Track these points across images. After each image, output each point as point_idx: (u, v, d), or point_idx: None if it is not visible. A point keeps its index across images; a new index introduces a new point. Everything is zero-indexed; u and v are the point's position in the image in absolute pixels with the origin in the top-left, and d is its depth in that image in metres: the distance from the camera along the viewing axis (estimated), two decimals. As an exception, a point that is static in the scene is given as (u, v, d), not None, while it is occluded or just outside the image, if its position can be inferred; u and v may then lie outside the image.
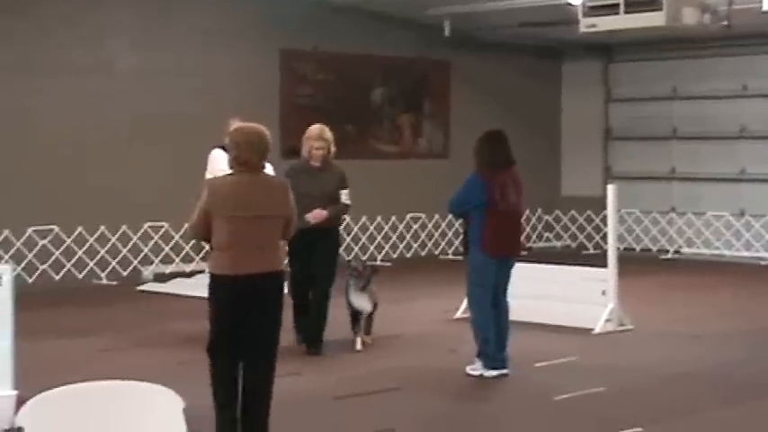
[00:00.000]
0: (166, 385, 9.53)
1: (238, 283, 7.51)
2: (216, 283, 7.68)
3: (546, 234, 23.42)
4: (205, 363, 10.81)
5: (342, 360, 11.10)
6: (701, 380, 10.36)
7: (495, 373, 10.26)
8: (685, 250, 21.72)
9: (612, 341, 12.30)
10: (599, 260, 13.09)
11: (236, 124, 12.23)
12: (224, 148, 12.25)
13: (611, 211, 13.00)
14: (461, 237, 10.74)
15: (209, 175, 12.23)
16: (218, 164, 12.19)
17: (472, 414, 9.11)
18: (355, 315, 11.74)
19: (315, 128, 11.70)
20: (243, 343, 7.55)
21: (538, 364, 10.91)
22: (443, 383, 10.13)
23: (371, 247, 20.58)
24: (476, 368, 10.35)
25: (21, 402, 4.43)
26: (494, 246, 10.19)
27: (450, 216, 17.70)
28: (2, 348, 7.76)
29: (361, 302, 11.67)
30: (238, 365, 7.59)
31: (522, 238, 10.85)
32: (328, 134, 11.65)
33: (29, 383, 9.20)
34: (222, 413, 7.64)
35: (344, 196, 11.59)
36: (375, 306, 11.84)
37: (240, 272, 7.49)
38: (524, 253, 18.75)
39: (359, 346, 11.61)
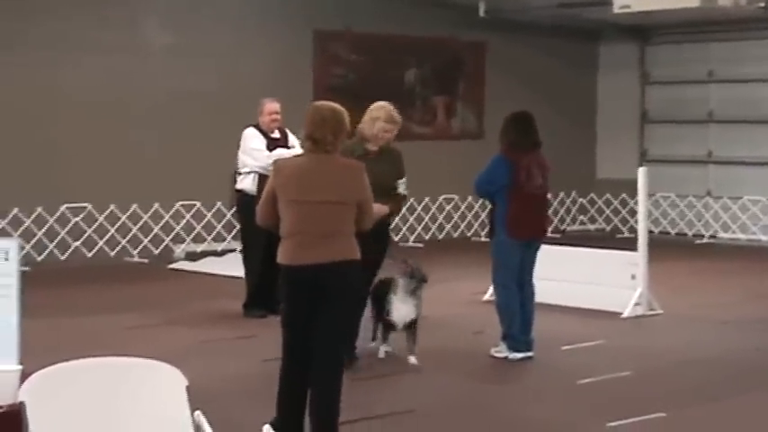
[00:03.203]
0: (185, 363, 9.60)
1: (300, 274, 7.13)
2: (281, 273, 7.28)
3: (580, 217, 23.29)
4: (227, 341, 11.03)
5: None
6: (729, 366, 10.25)
7: (519, 355, 10.21)
8: (721, 235, 21.54)
9: (640, 325, 12.22)
10: (632, 244, 12.97)
11: (267, 104, 12.39)
12: (257, 127, 12.33)
13: (642, 194, 12.89)
14: (486, 218, 10.67)
15: (242, 155, 12.27)
16: (251, 143, 12.19)
17: (494, 396, 9.08)
18: (389, 323, 10.09)
19: (383, 106, 10.02)
20: (309, 330, 7.17)
21: (564, 348, 10.85)
22: (467, 365, 10.10)
23: (404, 229, 20.53)
24: (500, 350, 10.31)
25: (25, 378, 4.42)
26: (519, 228, 10.14)
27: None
28: (8, 323, 7.64)
29: (407, 309, 9.98)
30: (305, 348, 7.20)
31: (548, 220, 10.75)
32: (398, 114, 10.07)
33: (52, 360, 9.31)
34: (281, 389, 7.39)
35: (402, 186, 10.07)
36: (418, 316, 10.15)
37: (302, 262, 7.09)
38: (556, 235, 18.73)
39: (382, 354, 10.28)
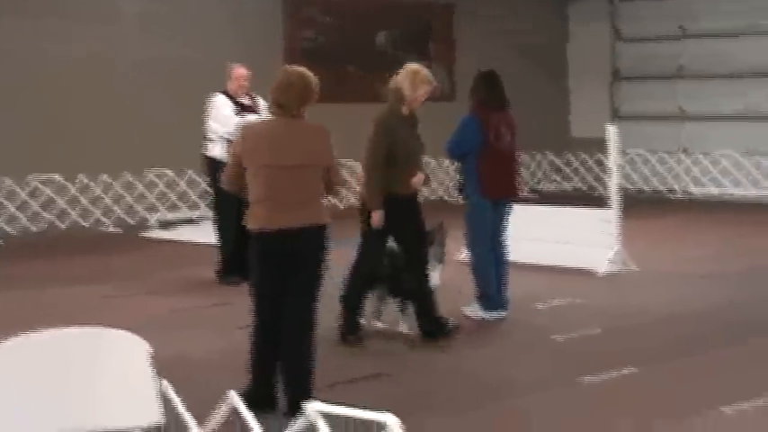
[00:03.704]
0: (160, 332, 9.62)
1: (271, 240, 7.11)
2: (251, 238, 7.25)
3: (555, 176, 23.32)
4: (199, 309, 11.00)
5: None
6: (703, 320, 10.29)
7: (493, 314, 10.22)
8: (694, 190, 21.60)
9: (615, 283, 12.25)
10: (607, 202, 12.98)
11: (236, 69, 12.32)
12: (226, 94, 12.26)
13: (612, 151, 12.89)
14: (457, 180, 10.64)
15: (211, 122, 12.20)
16: (220, 109, 12.13)
17: (468, 356, 9.08)
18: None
19: (423, 69, 9.57)
20: (280, 295, 7.18)
21: (538, 306, 10.88)
22: (442, 326, 10.08)
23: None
24: (474, 310, 10.31)
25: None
26: (491, 187, 10.13)
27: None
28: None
29: (435, 278, 9.62)
30: (276, 314, 7.20)
31: (519, 179, 10.73)
32: None
33: (23, 331, 9.28)
34: (253, 353, 7.37)
35: None
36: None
37: (272, 227, 7.08)
38: (531, 195, 18.75)
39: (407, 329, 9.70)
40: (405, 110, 9.45)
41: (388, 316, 9.86)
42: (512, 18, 22.67)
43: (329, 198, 7.97)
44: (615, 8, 23.56)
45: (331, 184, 7.36)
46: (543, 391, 7.95)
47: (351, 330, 9.39)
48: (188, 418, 4.98)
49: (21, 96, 16.75)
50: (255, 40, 18.55)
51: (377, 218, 9.21)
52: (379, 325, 9.85)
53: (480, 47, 21.59)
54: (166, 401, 4.49)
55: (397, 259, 9.52)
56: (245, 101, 12.18)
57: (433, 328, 9.35)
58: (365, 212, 9.37)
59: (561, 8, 23.98)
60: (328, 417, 4.56)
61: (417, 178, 9.36)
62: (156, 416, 4.34)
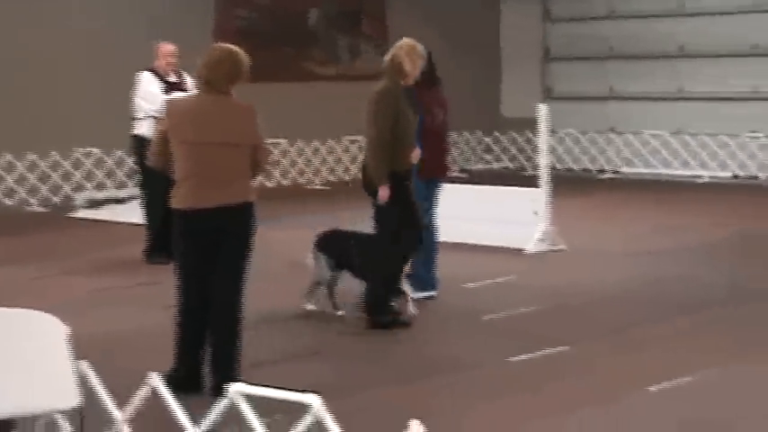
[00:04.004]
0: (85, 312, 9.48)
1: (195, 219, 7.01)
2: (175, 217, 7.14)
3: (485, 156, 23.34)
4: (126, 289, 10.85)
5: (272, 282, 10.91)
6: (632, 298, 10.34)
7: (422, 294, 10.16)
8: (624, 170, 21.73)
9: (544, 261, 12.26)
10: (536, 181, 12.99)
11: (162, 46, 12.16)
12: (153, 71, 12.10)
13: (542, 131, 12.89)
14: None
15: (138, 100, 12.06)
16: (147, 87, 12.00)
17: (398, 335, 9.03)
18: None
19: (415, 42, 9.67)
20: (205, 275, 7.09)
21: (467, 285, 10.85)
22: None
23: (308, 172, 20.41)
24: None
25: None
26: (421, 167, 10.04)
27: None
28: None
29: None
30: (201, 294, 7.12)
31: (449, 158, 10.67)
32: None
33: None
34: (178, 334, 7.25)
35: None
36: None
37: (197, 206, 6.98)
38: (461, 174, 18.75)
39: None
40: (406, 83, 9.45)
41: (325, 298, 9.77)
42: (445, -1, 22.63)
43: (259, 177, 7.86)
44: (546, -12, 23.61)
45: (258, 163, 7.25)
46: (473, 370, 7.94)
47: (384, 311, 9.28)
48: (108, 400, 4.87)
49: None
50: (187, 18, 18.33)
51: (384, 193, 9.13)
52: (311, 307, 9.74)
53: (412, 27, 21.43)
54: (86, 384, 4.38)
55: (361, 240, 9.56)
56: (173, 78, 12.04)
57: (382, 311, 9.26)
58: (372, 189, 9.24)
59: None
60: (251, 398, 4.49)
61: (415, 153, 9.40)
62: (74, 399, 4.23)
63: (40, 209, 17.05)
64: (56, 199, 17.43)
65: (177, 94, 11.48)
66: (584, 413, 6.87)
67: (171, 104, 7.38)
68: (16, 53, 17.07)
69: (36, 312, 4.32)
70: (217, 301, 7.12)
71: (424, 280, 10.22)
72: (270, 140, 19.65)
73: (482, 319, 9.44)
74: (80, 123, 17.44)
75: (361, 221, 10.02)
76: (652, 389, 7.29)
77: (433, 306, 10.01)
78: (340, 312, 9.54)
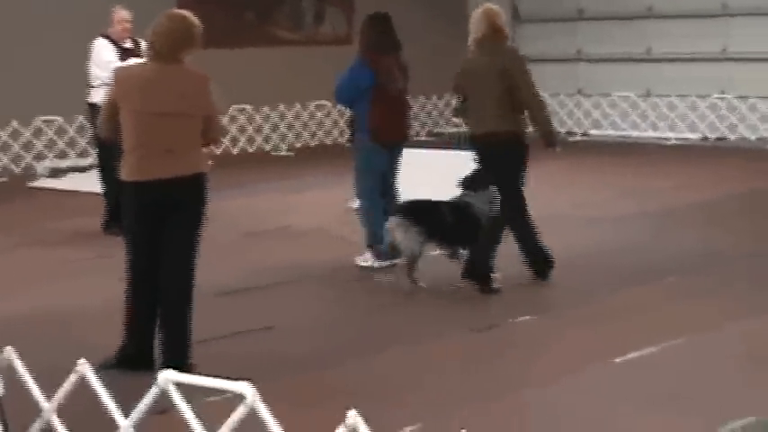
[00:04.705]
0: (41, 284, 9.30)
1: (144, 190, 6.80)
2: (124, 189, 6.94)
3: (455, 119, 23.10)
4: (82, 261, 10.65)
5: (226, 255, 10.72)
6: (595, 266, 10.17)
7: (385, 263, 9.99)
8: (593, 132, 21.57)
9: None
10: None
11: (117, 12, 11.90)
12: (108, 38, 11.85)
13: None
14: (347, 124, 10.38)
15: (93, 67, 11.82)
16: (102, 54, 11.76)
17: (358, 306, 8.88)
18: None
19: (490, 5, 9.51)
20: (155, 248, 6.88)
21: (433, 253, 10.66)
22: (332, 277, 9.85)
23: (274, 137, 20.17)
24: (366, 259, 10.09)
25: None
26: (382, 132, 9.90)
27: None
28: None
29: None
30: (152, 268, 6.92)
31: (409, 123, 10.47)
32: None
33: None
34: (128, 309, 7.05)
35: None
36: None
37: (146, 177, 6.76)
38: (430, 138, 18.53)
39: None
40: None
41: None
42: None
43: (211, 147, 7.64)
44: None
45: (210, 133, 7.00)
46: (435, 342, 7.78)
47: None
48: (35, 389, 4.66)
49: None
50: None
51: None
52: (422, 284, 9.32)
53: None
54: (11, 371, 4.17)
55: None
56: (128, 45, 11.77)
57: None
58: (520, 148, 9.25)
59: (460, -51, 23.69)
60: (183, 386, 4.31)
61: None
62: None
63: (1, 179, 16.76)
64: (17, 169, 17.14)
65: (132, 61, 11.29)
66: (547, 386, 6.72)
67: (120, 72, 7.16)
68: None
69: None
70: (167, 276, 6.92)
71: (386, 249, 10.03)
72: (235, 106, 19.47)
73: (445, 289, 9.27)
74: (41, 91, 17.11)
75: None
76: (617, 360, 7.16)
77: (397, 275, 9.82)
78: (422, 284, 9.25)
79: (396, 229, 9.21)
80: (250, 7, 20.22)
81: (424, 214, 9.24)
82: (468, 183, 9.45)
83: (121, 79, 6.97)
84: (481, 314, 8.43)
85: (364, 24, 10.13)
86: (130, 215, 6.99)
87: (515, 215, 9.29)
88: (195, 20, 6.97)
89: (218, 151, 18.50)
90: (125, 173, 6.92)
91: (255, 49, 20.08)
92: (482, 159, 9.38)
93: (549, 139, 9.41)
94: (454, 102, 9.69)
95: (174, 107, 6.80)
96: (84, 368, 4.08)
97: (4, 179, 16.73)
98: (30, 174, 16.99)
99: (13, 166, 17.14)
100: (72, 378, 4.55)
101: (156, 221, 6.88)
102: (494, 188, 9.33)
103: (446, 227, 9.24)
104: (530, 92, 9.24)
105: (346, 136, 10.53)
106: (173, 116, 6.81)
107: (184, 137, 6.86)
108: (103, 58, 11.63)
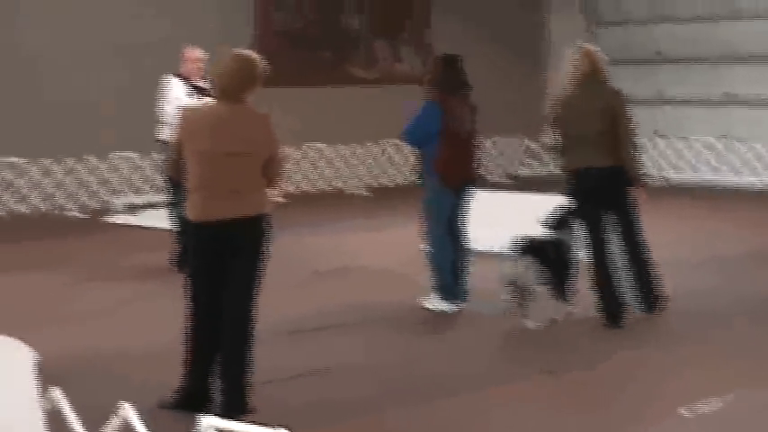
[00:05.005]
0: (109, 320, 9.33)
1: (206, 230, 6.80)
2: (189, 228, 6.99)
3: (530, 161, 23.00)
4: (151, 297, 10.67)
5: (292, 294, 10.71)
6: (669, 310, 9.93)
7: (451, 306, 9.89)
8: (670, 175, 21.29)
9: (582, 269, 11.89)
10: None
11: (189, 51, 12.00)
12: (180, 76, 11.94)
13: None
14: (416, 166, 10.32)
15: (164, 104, 11.93)
16: (173, 92, 11.87)
17: (418, 350, 8.75)
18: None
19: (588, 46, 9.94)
20: (217, 287, 6.87)
21: (501, 297, 10.52)
22: (398, 319, 9.77)
23: (348, 176, 20.18)
24: (431, 301, 9.99)
25: None
26: (450, 174, 9.81)
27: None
28: None
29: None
30: (212, 308, 6.91)
31: (479, 165, 10.37)
32: None
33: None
34: (187, 348, 7.04)
35: None
36: None
37: (209, 217, 6.77)
38: (508, 180, 18.41)
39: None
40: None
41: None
42: (488, 1, 22.31)
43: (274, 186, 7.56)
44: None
45: (271, 173, 6.97)
46: (500, 386, 7.65)
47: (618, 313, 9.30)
48: (80, 430, 4.61)
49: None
50: (225, 22, 18.17)
51: (645, 194, 9.58)
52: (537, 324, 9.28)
53: (457, 32, 21.22)
54: (57, 413, 4.14)
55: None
56: (200, 83, 11.85)
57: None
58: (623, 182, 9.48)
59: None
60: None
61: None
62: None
63: (78, 214, 16.94)
64: (93, 204, 17.32)
65: (205, 100, 11.36)
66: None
67: (185, 112, 7.18)
68: (59, 59, 17.00)
69: (2, 337, 4.05)
70: (227, 316, 6.90)
71: (453, 291, 9.94)
72: (309, 144, 19.52)
73: (512, 333, 9.13)
74: (118, 127, 17.31)
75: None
76: (684, 411, 6.98)
77: (461, 320, 9.72)
78: (539, 324, 9.21)
79: (517, 266, 9.26)
80: (326, 46, 20.30)
81: (540, 251, 9.32)
82: (556, 221, 9.55)
83: (186, 119, 6.99)
84: (550, 357, 8.28)
85: (434, 65, 10.12)
86: (192, 254, 6.99)
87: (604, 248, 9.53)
88: (259, 60, 6.99)
89: (292, 189, 18.59)
90: (189, 212, 6.93)
91: (331, 88, 20.14)
92: (583, 193, 9.46)
93: (639, 181, 9.58)
94: (549, 139, 9.77)
95: (238, 147, 6.80)
96: (127, 411, 4.04)
97: (81, 215, 16.89)
98: (106, 209, 17.15)
99: (90, 202, 17.30)
100: (114, 421, 4.51)
101: (219, 261, 6.87)
102: (580, 225, 9.49)
103: (556, 264, 9.33)
104: (628, 132, 9.42)
105: (415, 176, 10.43)
106: (237, 156, 6.81)
107: (248, 177, 6.85)
108: (174, 96, 11.73)
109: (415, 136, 10.06)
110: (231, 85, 6.88)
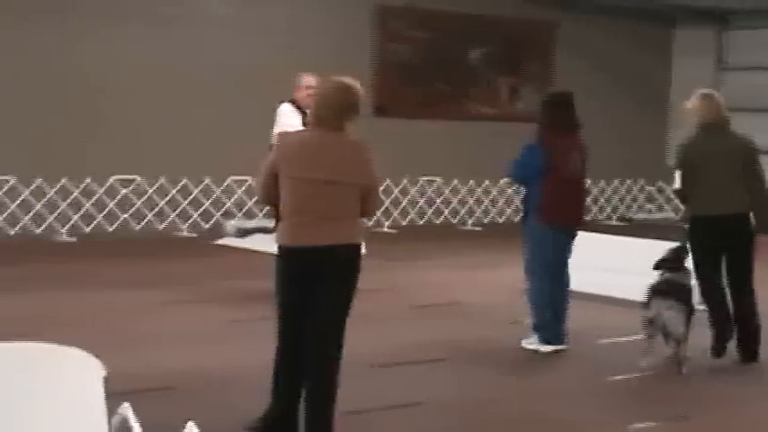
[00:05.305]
0: (208, 341, 9.35)
1: (298, 257, 6.74)
2: (278, 253, 6.92)
3: (648, 205, 22.67)
4: (250, 322, 10.70)
5: (389, 326, 10.65)
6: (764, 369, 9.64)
7: (550, 348, 9.72)
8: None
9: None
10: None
11: (304, 78, 12.04)
12: (293, 102, 11.99)
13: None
14: (520, 204, 10.18)
15: (276, 131, 11.95)
16: (286, 119, 11.90)
17: (512, 390, 8.57)
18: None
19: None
20: (305, 315, 6.80)
21: (602, 341, 10.33)
22: (494, 357, 9.62)
23: (462, 211, 20.08)
24: (531, 342, 9.84)
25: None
26: (554, 214, 9.62)
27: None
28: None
29: None
30: (300, 336, 6.85)
31: (585, 207, 10.19)
32: None
33: (73, 333, 9.13)
34: (275, 376, 7.00)
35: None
36: None
37: (300, 243, 6.71)
38: (622, 223, 18.12)
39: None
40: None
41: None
42: (615, 42, 22.13)
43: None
44: (721, 37, 22.83)
45: (366, 204, 6.88)
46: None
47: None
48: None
49: (106, 100, 16.71)
50: (343, 51, 18.27)
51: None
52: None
53: (580, 70, 21.08)
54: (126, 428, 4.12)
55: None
56: (313, 110, 11.87)
57: None
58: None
59: (666, 35, 23.34)
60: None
61: None
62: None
63: (189, 234, 17.14)
64: (206, 225, 17.51)
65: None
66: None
67: (282, 137, 7.17)
68: (178, 83, 17.27)
69: (72, 350, 4.04)
70: (314, 344, 6.84)
71: (553, 332, 9.77)
72: (424, 178, 19.50)
73: (608, 380, 8.93)
74: (233, 151, 17.49)
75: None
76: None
77: (560, 362, 9.53)
78: (684, 370, 9.13)
79: (665, 310, 9.11)
80: (445, 80, 20.28)
81: (682, 294, 9.24)
82: (670, 263, 9.52)
83: (282, 144, 6.96)
84: (640, 410, 8.06)
85: (543, 102, 9.95)
86: (280, 280, 6.94)
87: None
88: (359, 89, 6.91)
89: (404, 222, 18.60)
90: (280, 237, 6.89)
91: (448, 122, 20.12)
92: (706, 238, 9.51)
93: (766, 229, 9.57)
94: (674, 184, 9.69)
95: (332, 175, 6.72)
96: (190, 430, 3.98)
97: (193, 235, 17.09)
98: (217, 231, 17.30)
99: (202, 223, 17.49)
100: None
101: (307, 288, 6.80)
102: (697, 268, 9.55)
103: (688, 306, 9.25)
104: (758, 180, 9.48)
105: (520, 215, 10.29)
106: (331, 184, 6.73)
107: (341, 205, 6.76)
108: (286, 123, 11.77)
109: (517, 172, 9.94)
110: (331, 113, 6.81)
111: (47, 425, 3.82)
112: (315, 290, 6.77)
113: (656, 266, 9.57)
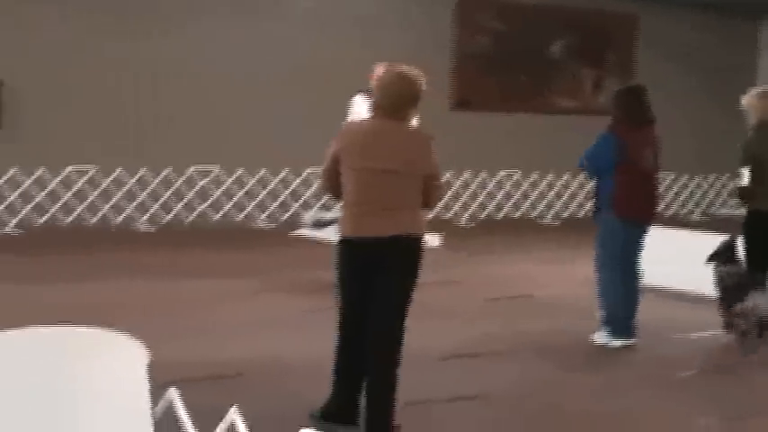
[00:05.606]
0: (283, 331, 9.40)
1: (359, 247, 6.71)
2: (339, 244, 6.89)
3: (730, 201, 22.32)
4: (316, 313, 10.71)
5: (461, 319, 10.60)
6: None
7: (619, 342, 9.62)
8: None
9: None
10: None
11: (377, 69, 12.00)
12: (368, 92, 11.99)
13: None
14: (592, 196, 10.06)
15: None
16: (356, 107, 11.96)
17: (574, 385, 8.46)
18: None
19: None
20: (366, 306, 6.77)
21: (675, 336, 10.19)
22: (562, 350, 9.54)
23: (541, 206, 19.95)
24: (601, 336, 9.74)
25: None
26: (626, 207, 9.52)
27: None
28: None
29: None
30: (361, 326, 6.82)
31: (657, 200, 10.05)
32: None
33: (150, 321, 9.24)
34: (337, 366, 7.01)
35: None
36: None
37: (361, 234, 6.68)
38: (703, 218, 17.87)
39: None
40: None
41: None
42: (698, 35, 21.82)
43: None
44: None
45: (427, 196, 6.83)
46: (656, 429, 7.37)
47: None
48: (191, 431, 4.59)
49: (186, 89, 16.86)
50: (424, 44, 18.24)
51: None
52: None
53: (662, 64, 20.82)
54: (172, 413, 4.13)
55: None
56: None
57: None
58: None
59: (752, 28, 22.95)
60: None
61: None
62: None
63: (267, 224, 17.23)
64: (282, 216, 17.60)
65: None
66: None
67: (345, 127, 7.15)
68: (261, 74, 17.38)
69: (115, 334, 4.05)
70: (373, 333, 6.82)
71: (622, 327, 9.66)
72: (503, 171, 19.39)
73: (676, 376, 8.80)
74: (313, 143, 17.53)
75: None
76: None
77: (628, 357, 9.43)
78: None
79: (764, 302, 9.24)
80: (526, 72, 20.14)
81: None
82: (724, 256, 9.61)
83: (345, 134, 6.94)
84: (709, 405, 7.94)
85: (617, 95, 9.81)
86: (341, 270, 6.93)
87: None
88: (420, 78, 6.86)
89: (482, 215, 18.53)
90: (341, 228, 6.88)
91: (528, 114, 19.99)
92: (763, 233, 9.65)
93: None
94: (744, 179, 9.57)
95: (390, 164, 6.67)
96: (234, 416, 3.97)
97: (271, 225, 17.19)
98: (294, 223, 17.39)
99: (279, 214, 17.58)
100: (222, 426, 4.48)
101: (369, 279, 6.78)
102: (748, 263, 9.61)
103: None
104: None
105: (591, 207, 10.19)
106: (393, 174, 6.68)
107: (402, 196, 6.72)
108: (355, 111, 11.82)
109: (590, 165, 9.83)
110: (391, 102, 6.76)
111: (87, 410, 3.84)
112: (376, 281, 6.74)
113: (710, 259, 9.57)
